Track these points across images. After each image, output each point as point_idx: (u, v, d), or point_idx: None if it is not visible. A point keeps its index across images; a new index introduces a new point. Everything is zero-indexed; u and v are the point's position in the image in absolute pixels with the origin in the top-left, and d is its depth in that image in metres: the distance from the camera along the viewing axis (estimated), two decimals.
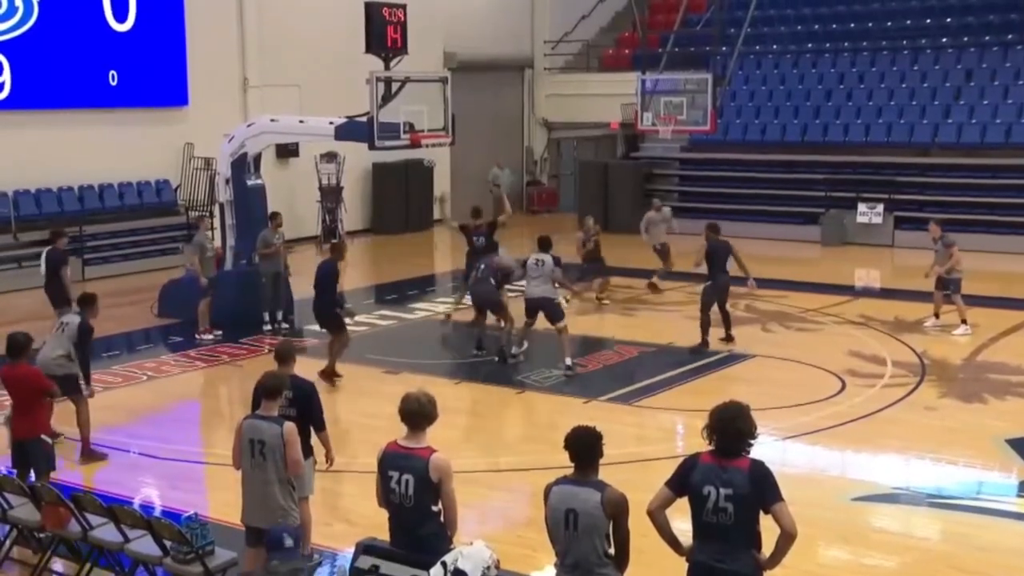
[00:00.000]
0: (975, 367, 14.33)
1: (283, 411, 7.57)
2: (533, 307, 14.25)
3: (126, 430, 12.26)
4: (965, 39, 26.76)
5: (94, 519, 7.68)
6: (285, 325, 16.56)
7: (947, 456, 11.11)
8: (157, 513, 8.75)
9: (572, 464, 5.81)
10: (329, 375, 13.43)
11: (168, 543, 7.22)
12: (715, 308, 15.07)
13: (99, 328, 15.59)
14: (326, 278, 13.68)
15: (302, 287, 17.28)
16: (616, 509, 5.65)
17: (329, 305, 13.71)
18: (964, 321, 15.67)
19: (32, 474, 8.72)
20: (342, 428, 11.87)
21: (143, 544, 7.39)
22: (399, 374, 13.91)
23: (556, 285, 14.32)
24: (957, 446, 11.35)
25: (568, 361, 13.87)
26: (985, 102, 25.16)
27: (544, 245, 14.53)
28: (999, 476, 10.65)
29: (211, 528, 7.44)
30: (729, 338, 15.16)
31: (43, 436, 8.83)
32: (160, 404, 13.46)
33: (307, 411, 7.92)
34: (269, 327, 16.34)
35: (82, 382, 10.75)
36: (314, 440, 8.10)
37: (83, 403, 10.77)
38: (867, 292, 19.69)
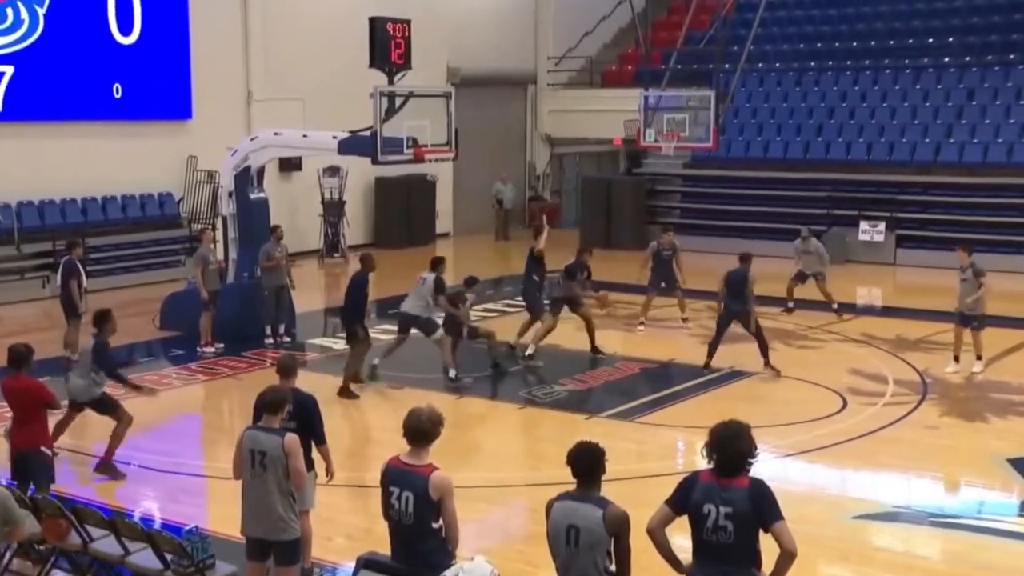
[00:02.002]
0: (977, 386, 14.32)
1: (284, 424, 7.57)
2: (403, 322, 14.41)
3: (128, 442, 12.24)
4: (967, 58, 26.84)
5: (95, 531, 7.67)
6: (287, 339, 16.58)
7: (948, 475, 11.11)
8: (158, 526, 8.74)
9: (574, 480, 5.81)
10: (345, 389, 13.41)
11: (169, 556, 7.21)
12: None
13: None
14: (354, 290, 13.79)
15: (304, 301, 17.35)
16: (618, 526, 5.64)
17: (352, 317, 13.75)
18: (979, 357, 14.71)
19: (32, 486, 8.72)
20: (344, 442, 11.86)
21: (143, 557, 7.37)
22: (402, 389, 13.91)
23: (433, 303, 14.20)
24: (958, 465, 11.35)
25: (451, 372, 14.08)
26: (987, 121, 25.22)
27: (434, 264, 14.47)
28: (1000, 495, 10.64)
29: (212, 541, 7.43)
30: (766, 364, 14.72)
31: (43, 448, 8.83)
32: (161, 417, 13.42)
33: (308, 424, 7.92)
34: (271, 341, 16.35)
35: (132, 390, 11.15)
36: (315, 454, 8.10)
37: (123, 421, 10.88)
38: (869, 310, 19.70)
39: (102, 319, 10.85)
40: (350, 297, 13.86)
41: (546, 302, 15.90)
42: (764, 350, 14.69)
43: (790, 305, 18.56)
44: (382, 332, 17.28)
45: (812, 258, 18.60)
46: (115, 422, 10.88)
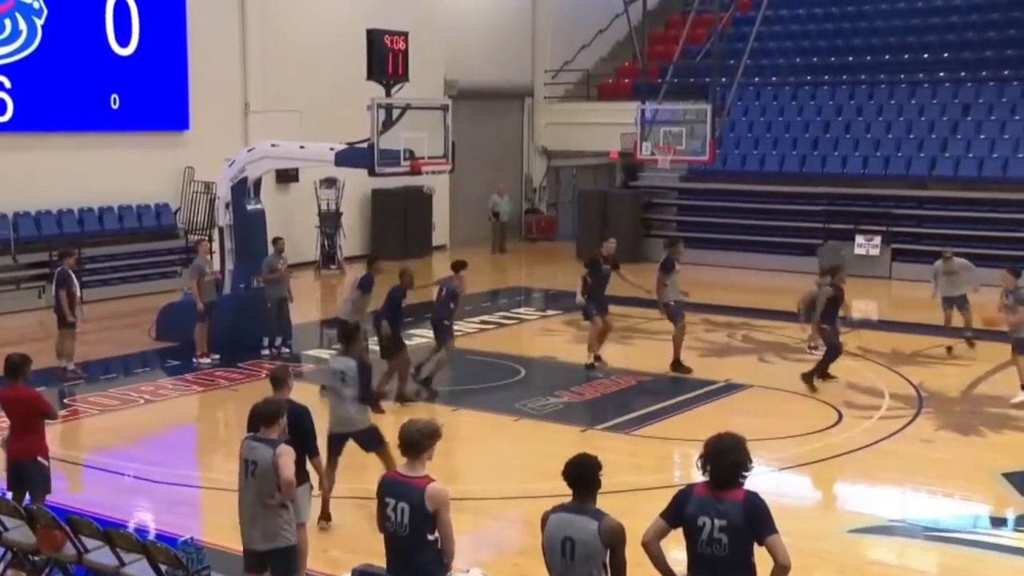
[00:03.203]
0: (972, 400, 14.34)
1: (282, 437, 7.56)
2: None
3: (123, 453, 12.25)
4: (962, 74, 26.95)
5: (89, 542, 7.66)
6: (285, 350, 16.58)
7: (943, 489, 11.11)
8: (153, 537, 8.72)
9: (570, 492, 5.82)
10: (376, 402, 13.30)
11: (164, 567, 7.19)
12: None
13: (97, 351, 15.76)
14: (389, 303, 13.84)
15: (300, 312, 17.35)
16: (613, 538, 5.65)
17: (392, 329, 13.77)
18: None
19: (28, 496, 8.71)
20: (342, 455, 11.85)
21: (138, 568, 7.36)
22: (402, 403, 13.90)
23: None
24: (953, 479, 11.36)
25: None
26: (982, 136, 25.31)
27: (370, 262, 14.89)
28: (995, 510, 10.64)
29: (207, 552, 7.42)
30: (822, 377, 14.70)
31: (40, 458, 8.82)
32: (157, 428, 13.44)
33: (301, 436, 7.91)
34: (267, 352, 16.35)
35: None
36: (309, 466, 8.09)
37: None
38: (864, 324, 19.73)
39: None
40: (383, 311, 13.86)
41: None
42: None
43: (968, 334, 16.65)
44: (377, 344, 17.34)
45: (957, 279, 16.99)
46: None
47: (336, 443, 9.60)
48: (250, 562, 7.30)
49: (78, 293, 15.51)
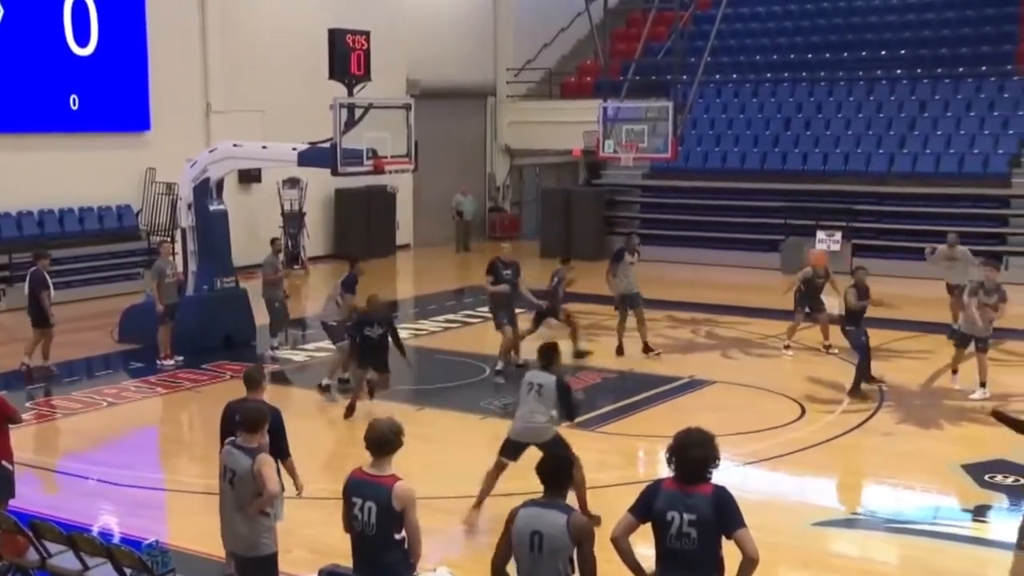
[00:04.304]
0: (931, 394, 14.52)
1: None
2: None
3: (86, 456, 12.16)
4: (919, 71, 27.29)
5: (52, 547, 7.59)
6: (286, 347, 16.95)
7: (904, 481, 11.26)
8: (117, 540, 8.67)
9: (541, 489, 5.87)
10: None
11: (128, 571, 7.15)
12: None
13: (59, 353, 15.63)
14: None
15: (264, 313, 17.28)
16: (581, 534, 5.69)
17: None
18: (983, 384, 13.92)
19: None
20: (305, 454, 11.82)
21: (103, 572, 7.30)
22: (362, 400, 13.86)
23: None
24: (914, 471, 11.51)
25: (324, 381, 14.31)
26: (939, 132, 25.65)
27: (352, 262, 15.12)
28: (954, 501, 10.80)
29: (172, 555, 7.39)
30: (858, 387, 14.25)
31: (3, 462, 8.74)
32: (120, 430, 13.35)
33: (273, 437, 7.87)
34: (277, 349, 16.67)
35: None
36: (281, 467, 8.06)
37: None
38: (827, 318, 19.88)
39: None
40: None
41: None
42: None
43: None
44: None
45: (959, 266, 16.94)
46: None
47: (514, 449, 9.66)
48: (237, 566, 7.31)
49: (52, 294, 15.49)
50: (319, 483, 9.81)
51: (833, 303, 16.16)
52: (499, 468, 9.73)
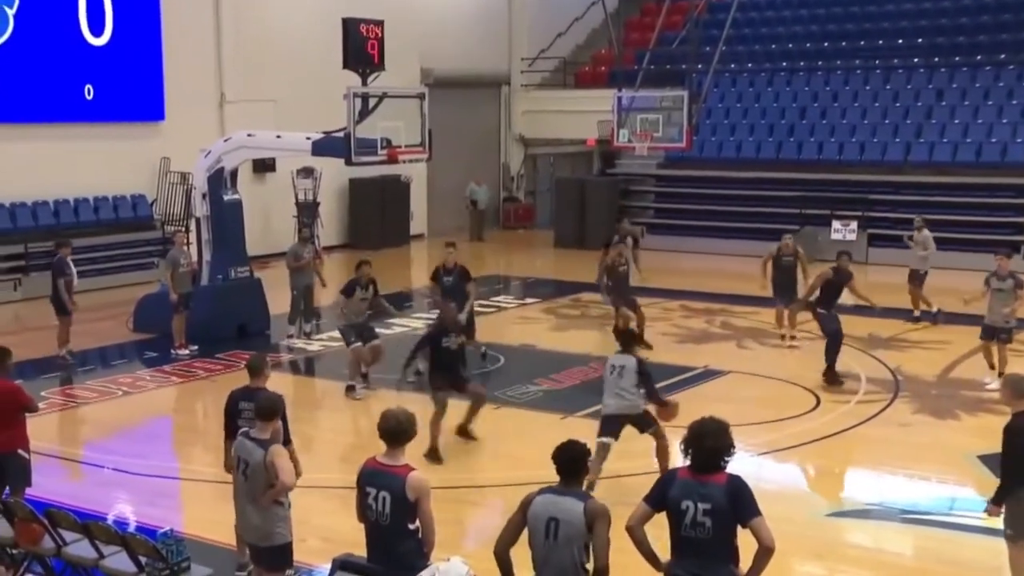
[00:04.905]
0: (948, 384, 14.46)
1: (248, 424, 7.54)
2: None
3: (101, 445, 12.22)
4: (936, 59, 27.11)
5: (68, 535, 7.63)
6: (316, 334, 16.96)
7: (920, 472, 11.22)
8: (132, 529, 8.71)
9: (556, 478, 5.86)
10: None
11: (143, 559, 7.17)
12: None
13: (75, 343, 15.70)
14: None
15: (280, 301, 17.31)
16: (595, 517, 5.69)
17: None
18: (1001, 374, 13.58)
19: (7, 489, 8.67)
20: (318, 444, 11.86)
21: (118, 560, 7.34)
22: (376, 390, 13.89)
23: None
24: (930, 462, 11.46)
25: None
26: (956, 121, 25.48)
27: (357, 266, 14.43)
28: (971, 492, 10.74)
29: (187, 544, 7.40)
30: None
31: (20, 451, 8.78)
32: (135, 419, 13.40)
33: None
34: (295, 338, 16.66)
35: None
36: None
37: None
38: (841, 309, 19.80)
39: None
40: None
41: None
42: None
43: (935, 311, 17.44)
44: None
45: (917, 249, 17.59)
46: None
47: (612, 424, 10.30)
48: (252, 554, 7.37)
49: (75, 282, 15.57)
50: (336, 473, 9.84)
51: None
52: (604, 450, 10.06)
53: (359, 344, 13.77)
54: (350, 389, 13.86)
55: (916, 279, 17.66)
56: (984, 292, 14.26)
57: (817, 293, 14.36)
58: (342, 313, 14.20)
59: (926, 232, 17.82)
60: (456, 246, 15.54)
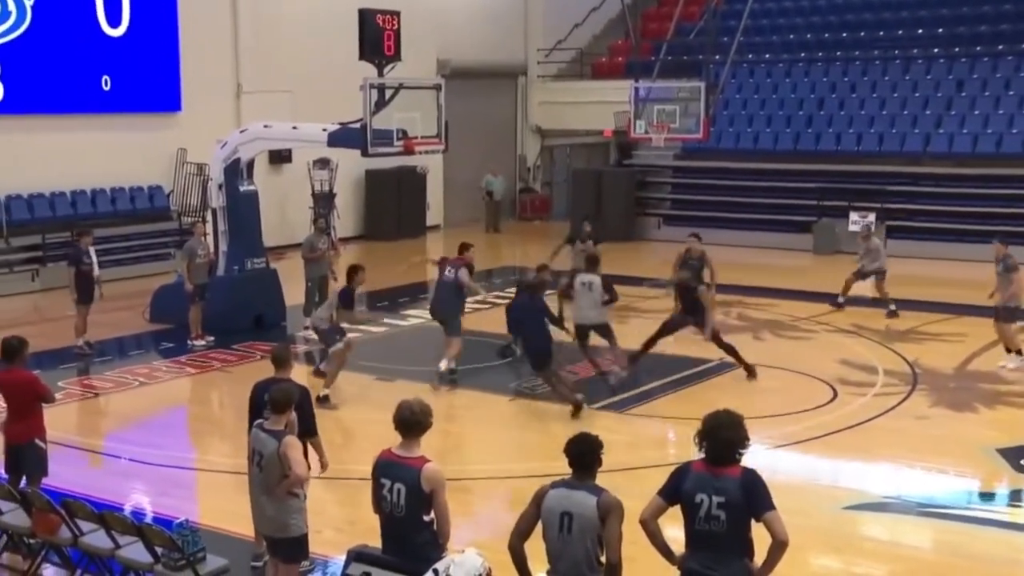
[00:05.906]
0: (966, 376, 14.37)
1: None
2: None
3: (118, 436, 12.27)
4: (956, 49, 26.89)
5: (85, 525, 7.66)
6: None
7: (938, 465, 11.14)
8: (148, 519, 8.74)
9: (569, 470, 5.84)
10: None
11: (159, 550, 7.20)
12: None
13: (92, 333, 15.76)
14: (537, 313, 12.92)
15: (296, 292, 17.34)
16: (608, 511, 5.68)
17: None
18: (1020, 351, 14.49)
19: (25, 479, 8.71)
20: (334, 435, 11.87)
21: (134, 551, 7.37)
22: (392, 381, 13.90)
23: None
24: (948, 455, 11.39)
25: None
26: (976, 112, 25.28)
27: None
28: (989, 485, 10.68)
29: (202, 535, 7.42)
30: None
31: (37, 441, 8.82)
32: (152, 410, 13.44)
33: (301, 416, 7.88)
34: (309, 329, 16.25)
35: None
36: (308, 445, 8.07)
37: None
38: (858, 301, 19.72)
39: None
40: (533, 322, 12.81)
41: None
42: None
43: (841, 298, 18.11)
44: (372, 324, 17.36)
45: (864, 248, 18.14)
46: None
47: (582, 331, 13.58)
48: (268, 546, 7.40)
49: (96, 272, 15.61)
50: (353, 464, 9.84)
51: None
52: (585, 352, 13.43)
53: (341, 346, 13.21)
54: (324, 400, 12.54)
55: (861, 276, 18.09)
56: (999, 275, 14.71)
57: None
58: (331, 318, 13.30)
59: (875, 240, 18.45)
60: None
